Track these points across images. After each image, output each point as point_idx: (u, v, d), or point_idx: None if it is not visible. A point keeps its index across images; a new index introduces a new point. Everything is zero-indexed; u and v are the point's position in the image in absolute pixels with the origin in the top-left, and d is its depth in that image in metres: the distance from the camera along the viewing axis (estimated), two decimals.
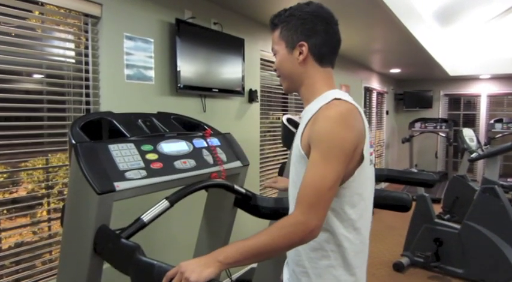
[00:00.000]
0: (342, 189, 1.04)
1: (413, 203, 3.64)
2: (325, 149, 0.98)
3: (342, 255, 1.08)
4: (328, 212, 1.02)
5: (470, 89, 8.27)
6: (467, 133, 4.94)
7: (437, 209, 4.72)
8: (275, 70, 1.24)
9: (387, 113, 8.26)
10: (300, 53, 1.13)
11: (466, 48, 6.97)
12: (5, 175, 1.94)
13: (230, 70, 3.06)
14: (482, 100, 8.19)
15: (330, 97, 1.07)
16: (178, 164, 1.54)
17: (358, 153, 1.03)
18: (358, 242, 1.10)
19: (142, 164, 1.41)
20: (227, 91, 3.09)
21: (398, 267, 3.80)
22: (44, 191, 2.09)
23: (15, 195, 2.00)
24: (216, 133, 1.87)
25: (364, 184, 1.09)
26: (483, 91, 8.14)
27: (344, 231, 1.07)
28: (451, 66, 7.03)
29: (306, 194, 0.98)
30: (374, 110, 7.46)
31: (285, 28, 1.15)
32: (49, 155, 2.11)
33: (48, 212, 2.13)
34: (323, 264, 1.09)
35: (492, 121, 7.00)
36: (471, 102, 8.49)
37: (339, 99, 1.06)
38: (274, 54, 1.21)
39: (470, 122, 8.37)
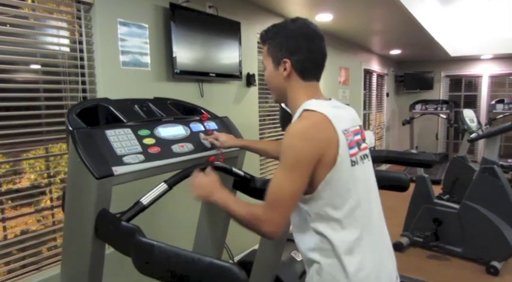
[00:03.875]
0: (318, 193, 1.12)
1: (413, 184, 3.69)
2: (283, 160, 1.09)
3: (336, 254, 1.13)
4: (312, 216, 1.15)
5: (472, 70, 8.21)
6: (468, 114, 4.92)
7: (438, 190, 4.75)
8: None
9: (387, 95, 8.23)
10: (284, 69, 1.21)
11: (467, 28, 6.89)
12: (7, 165, 1.96)
13: (227, 54, 3.05)
14: (484, 81, 8.13)
15: (301, 110, 1.16)
16: (175, 148, 1.55)
17: (326, 160, 1.09)
18: (353, 239, 1.14)
19: (139, 149, 1.43)
20: (224, 75, 3.09)
21: (398, 247, 3.85)
22: (46, 180, 2.12)
23: (18, 185, 2.02)
24: (213, 117, 1.88)
25: (346, 186, 1.13)
26: (484, 72, 8.08)
27: (331, 232, 1.14)
28: (452, 47, 6.97)
29: (268, 199, 1.11)
30: (374, 93, 7.43)
31: (272, 45, 1.23)
32: (49, 144, 2.13)
33: (51, 200, 2.16)
34: (325, 263, 1.15)
35: (493, 102, 6.97)
36: (472, 83, 8.44)
37: (309, 110, 1.14)
38: (264, 69, 1.30)
39: (472, 103, 8.33)
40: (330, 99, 1.26)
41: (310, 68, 1.22)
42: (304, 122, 1.13)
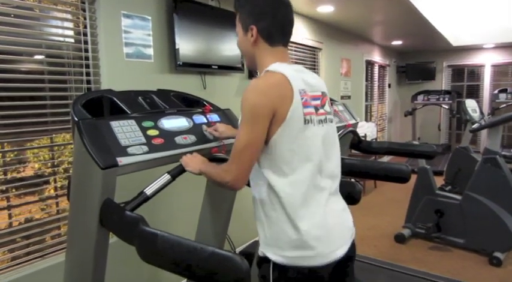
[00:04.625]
0: (271, 146, 1.19)
1: (415, 176, 3.71)
2: (242, 115, 1.19)
3: (282, 206, 1.21)
4: (266, 169, 1.22)
5: (474, 59, 8.16)
6: (470, 104, 4.90)
7: (440, 181, 4.76)
8: None
9: (389, 86, 8.20)
10: (252, 35, 1.29)
11: (469, 17, 6.83)
12: (12, 154, 1.99)
13: (229, 46, 3.05)
14: (486, 70, 8.09)
15: (264, 71, 1.25)
16: (179, 139, 1.57)
17: (279, 115, 1.16)
18: (298, 194, 1.21)
19: (143, 140, 1.45)
20: (227, 67, 3.09)
21: (400, 239, 3.87)
22: (50, 170, 2.14)
23: (22, 174, 2.05)
24: (215, 109, 1.90)
25: (296, 141, 1.19)
26: (487, 61, 8.03)
27: (279, 183, 1.20)
28: (454, 36, 6.92)
29: (231, 152, 1.21)
30: (376, 84, 7.41)
31: (241, 12, 1.32)
32: (53, 134, 2.15)
33: (55, 189, 2.19)
34: (273, 216, 1.24)
35: (496, 91, 6.92)
36: (475, 73, 8.39)
37: (269, 71, 1.23)
38: (237, 35, 1.38)
39: (474, 92, 8.30)
40: (295, 64, 1.32)
41: (275, 33, 1.29)
42: (261, 79, 1.23)
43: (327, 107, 1.33)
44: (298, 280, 1.22)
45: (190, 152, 1.54)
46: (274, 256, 1.23)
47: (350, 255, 1.32)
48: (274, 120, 1.17)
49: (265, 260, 1.26)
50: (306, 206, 1.22)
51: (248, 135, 1.17)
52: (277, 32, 1.29)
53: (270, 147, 1.20)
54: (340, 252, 1.27)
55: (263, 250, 1.27)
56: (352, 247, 1.34)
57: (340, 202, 1.36)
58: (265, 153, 1.21)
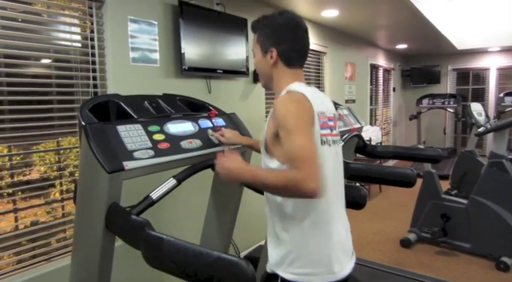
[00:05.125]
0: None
1: (420, 180, 3.69)
2: (288, 126, 1.13)
3: (306, 222, 1.23)
4: None
5: (479, 63, 8.13)
6: (476, 108, 4.88)
7: (445, 185, 4.73)
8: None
9: (394, 90, 8.19)
10: (271, 57, 1.33)
11: (474, 20, 6.82)
12: (18, 158, 2.00)
13: (234, 51, 3.06)
14: (492, 73, 8.05)
15: (285, 91, 1.27)
16: (184, 143, 1.58)
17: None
18: (320, 210, 1.24)
19: (149, 144, 1.46)
20: (232, 72, 3.10)
21: (405, 243, 3.84)
22: (56, 173, 2.16)
23: (28, 177, 2.06)
24: (221, 113, 1.90)
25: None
26: (492, 64, 7.99)
27: (304, 200, 1.19)
28: (459, 40, 6.90)
29: (296, 161, 1.08)
30: (380, 88, 7.40)
31: (261, 35, 1.37)
32: (59, 138, 2.17)
33: (61, 192, 2.20)
34: (294, 232, 1.25)
35: (501, 95, 6.87)
36: (480, 76, 8.35)
37: (291, 91, 1.25)
38: (254, 55, 1.42)
39: (480, 96, 8.26)
40: (310, 86, 1.36)
41: (294, 56, 1.34)
42: (288, 95, 1.24)
43: (337, 129, 1.38)
44: None
45: (198, 156, 1.53)
46: (285, 273, 1.24)
47: (351, 274, 1.34)
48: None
49: (273, 277, 1.27)
50: (326, 224, 1.25)
51: (308, 139, 1.13)
52: (295, 54, 1.34)
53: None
54: (347, 270, 1.29)
55: (273, 268, 1.28)
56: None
57: (346, 219, 1.39)
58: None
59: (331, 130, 1.30)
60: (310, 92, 1.27)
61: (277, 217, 1.27)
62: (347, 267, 1.30)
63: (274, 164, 1.24)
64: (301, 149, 1.09)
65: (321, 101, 1.29)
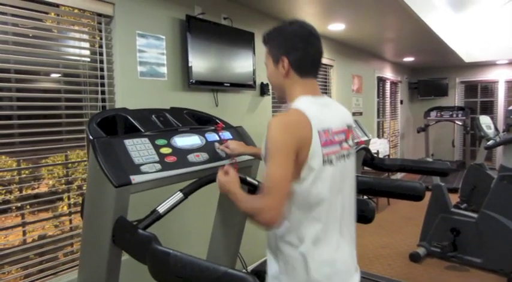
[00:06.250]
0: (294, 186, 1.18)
1: (429, 193, 3.65)
2: (270, 152, 1.15)
3: (298, 246, 1.23)
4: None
5: (487, 75, 8.10)
6: (485, 120, 4.85)
7: (455, 199, 4.67)
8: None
9: (401, 102, 8.16)
10: (283, 67, 1.30)
11: (481, 33, 6.81)
12: (27, 171, 2.02)
13: (241, 64, 3.09)
14: (500, 86, 8.01)
15: (290, 107, 1.26)
16: (191, 157, 1.58)
17: (300, 158, 1.16)
18: (314, 231, 1.23)
19: (156, 158, 1.46)
20: (239, 85, 3.12)
21: (414, 258, 3.78)
22: (64, 186, 2.17)
23: (36, 190, 2.07)
24: (228, 127, 1.91)
25: (315, 183, 1.19)
26: (501, 77, 7.96)
27: (301, 221, 1.22)
28: (467, 53, 6.89)
29: (264, 188, 1.14)
30: (388, 100, 7.38)
31: (272, 45, 1.34)
32: (68, 151, 2.18)
33: (69, 206, 2.20)
34: (288, 253, 1.25)
35: (511, 107, 6.83)
36: (488, 89, 8.31)
37: (290, 109, 1.24)
38: (266, 68, 1.39)
39: (488, 109, 8.20)
40: (323, 97, 1.34)
41: (306, 65, 1.31)
42: (284, 117, 1.22)
43: (351, 141, 1.34)
44: None
45: (205, 170, 1.53)
46: None
47: None
48: (296, 163, 1.16)
49: None
50: (322, 244, 1.23)
51: (282, 168, 1.14)
52: (308, 64, 1.31)
53: (299, 186, 1.19)
54: None
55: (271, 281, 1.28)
56: None
57: (353, 237, 1.36)
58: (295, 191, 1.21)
59: (341, 144, 1.27)
60: (316, 106, 1.25)
61: (276, 234, 1.27)
62: None
63: None
64: (270, 177, 1.13)
65: (328, 116, 1.26)
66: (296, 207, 1.21)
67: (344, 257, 1.29)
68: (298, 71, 1.30)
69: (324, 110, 1.27)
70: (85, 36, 2.22)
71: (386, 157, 6.20)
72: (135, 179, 1.34)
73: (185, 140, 1.62)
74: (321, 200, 1.21)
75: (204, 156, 1.63)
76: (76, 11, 2.12)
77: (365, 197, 3.93)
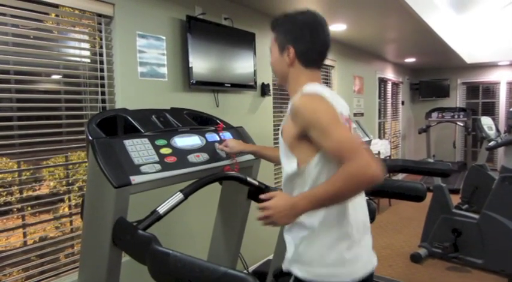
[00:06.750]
0: (310, 165, 1.19)
1: (430, 194, 3.64)
2: (321, 123, 1.11)
3: (317, 227, 1.22)
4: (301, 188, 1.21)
5: (489, 76, 8.09)
6: (486, 121, 4.84)
7: (456, 199, 4.66)
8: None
9: (403, 103, 8.15)
10: (288, 56, 1.29)
11: (483, 34, 6.81)
12: (28, 173, 2.02)
13: (242, 64, 3.09)
14: (502, 87, 8.00)
15: (300, 91, 1.25)
16: (191, 157, 1.57)
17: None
18: (342, 208, 1.22)
19: (156, 158, 1.46)
20: (239, 85, 3.12)
21: (416, 259, 3.77)
22: (64, 188, 2.16)
23: (38, 192, 2.07)
24: (228, 127, 1.90)
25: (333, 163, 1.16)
26: (502, 78, 7.95)
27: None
28: (468, 54, 6.89)
29: (346, 152, 1.05)
30: (389, 101, 7.37)
31: (279, 32, 1.33)
32: (68, 152, 2.18)
33: (70, 207, 2.20)
34: (317, 231, 1.23)
35: None
36: (490, 90, 8.30)
37: (308, 92, 1.23)
38: (270, 54, 1.38)
39: (490, 110, 8.19)
40: (327, 87, 1.36)
41: (312, 56, 1.30)
42: (311, 96, 1.20)
43: (351, 131, 1.35)
44: None
45: (205, 170, 1.52)
46: (302, 272, 1.23)
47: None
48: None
49: (285, 274, 1.27)
50: (348, 222, 1.22)
51: (344, 128, 1.13)
52: (314, 55, 1.31)
53: (310, 165, 1.19)
54: (368, 269, 1.28)
55: (290, 267, 1.26)
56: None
57: (366, 213, 1.37)
58: (305, 172, 1.21)
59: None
60: (328, 92, 1.26)
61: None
62: (370, 265, 1.28)
63: (292, 165, 1.23)
64: (346, 140, 1.08)
65: (337, 101, 1.27)
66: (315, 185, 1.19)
67: (368, 239, 1.32)
68: (303, 62, 1.29)
69: (333, 96, 1.28)
70: (85, 37, 2.22)
71: (388, 158, 6.19)
72: (135, 179, 1.34)
73: (185, 141, 1.62)
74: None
75: (204, 156, 1.62)
76: (76, 11, 2.12)
77: (366, 197, 3.92)
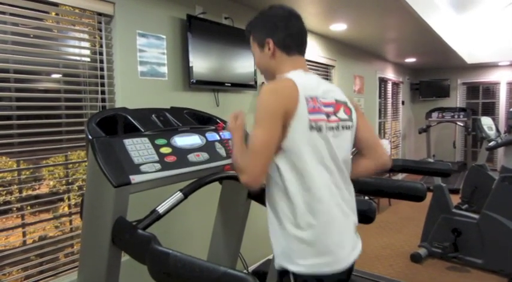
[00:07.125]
0: (285, 148, 1.22)
1: (430, 194, 3.64)
2: (258, 114, 1.21)
3: (298, 212, 1.24)
4: (283, 174, 1.23)
5: (489, 77, 8.08)
6: (486, 122, 4.84)
7: (456, 199, 4.66)
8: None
9: (403, 103, 8.15)
10: (269, 49, 1.34)
11: (483, 35, 6.81)
12: (27, 172, 2.01)
13: (242, 64, 3.08)
14: (502, 87, 7.99)
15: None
16: (191, 157, 1.57)
17: (288, 117, 1.19)
18: (315, 199, 1.23)
19: (156, 158, 1.45)
20: (240, 85, 3.11)
21: (416, 258, 3.77)
22: (64, 187, 2.16)
23: (37, 191, 2.07)
24: None
25: (298, 147, 1.21)
26: (502, 78, 7.94)
27: (296, 190, 1.24)
28: (469, 54, 6.89)
29: (249, 150, 1.20)
30: (389, 101, 7.37)
31: (254, 32, 1.40)
32: (68, 152, 2.17)
33: (69, 207, 2.20)
34: (287, 226, 1.26)
35: None
36: (490, 90, 8.29)
37: (281, 77, 1.29)
38: (254, 57, 1.44)
39: (490, 110, 8.19)
40: (311, 74, 1.36)
41: (291, 42, 1.34)
42: (273, 83, 1.28)
43: (342, 114, 1.33)
44: None
45: (205, 170, 1.52)
46: (292, 266, 1.23)
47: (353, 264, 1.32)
48: (286, 122, 1.20)
49: (284, 273, 1.26)
50: (323, 212, 1.23)
51: (265, 133, 1.18)
52: (292, 41, 1.34)
53: (284, 150, 1.22)
54: (352, 258, 1.28)
55: (280, 263, 1.27)
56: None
57: (349, 201, 1.34)
58: (281, 157, 1.23)
59: (328, 116, 1.27)
60: (303, 77, 1.28)
61: (273, 211, 1.29)
62: (352, 254, 1.29)
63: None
64: (255, 141, 1.18)
65: (316, 86, 1.29)
66: (293, 173, 1.23)
67: (348, 226, 1.31)
68: (284, 50, 1.33)
69: (311, 81, 1.30)
70: (85, 36, 2.21)
71: None
72: (135, 178, 1.33)
73: (185, 140, 1.61)
74: (318, 163, 1.23)
75: (204, 156, 1.62)
76: (76, 10, 2.11)
77: (366, 197, 3.92)
